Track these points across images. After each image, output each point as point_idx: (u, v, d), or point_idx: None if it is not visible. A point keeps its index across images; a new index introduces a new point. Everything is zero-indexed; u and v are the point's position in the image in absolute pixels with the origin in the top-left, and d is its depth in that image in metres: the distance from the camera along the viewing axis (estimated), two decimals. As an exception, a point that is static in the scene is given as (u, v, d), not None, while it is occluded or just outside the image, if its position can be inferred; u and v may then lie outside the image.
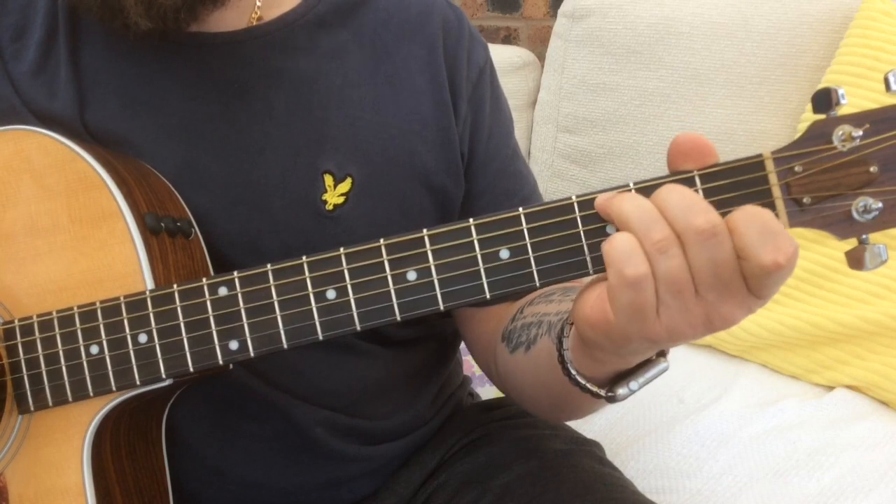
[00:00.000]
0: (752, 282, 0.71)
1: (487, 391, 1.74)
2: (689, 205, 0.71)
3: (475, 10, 2.51)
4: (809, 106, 1.78)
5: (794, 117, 1.87)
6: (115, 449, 0.92)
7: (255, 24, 1.06)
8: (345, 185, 1.03)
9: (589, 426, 1.59)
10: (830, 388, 1.68)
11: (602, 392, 0.85)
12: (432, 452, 1.21)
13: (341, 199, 1.03)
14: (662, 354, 0.83)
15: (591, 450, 1.20)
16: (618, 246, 0.72)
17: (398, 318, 0.81)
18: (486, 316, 1.16)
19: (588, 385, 0.85)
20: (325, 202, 1.02)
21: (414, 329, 1.18)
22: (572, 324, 0.85)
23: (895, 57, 1.70)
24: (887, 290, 1.62)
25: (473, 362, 1.79)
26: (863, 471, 1.44)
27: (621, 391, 0.84)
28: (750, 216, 0.71)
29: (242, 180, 1.01)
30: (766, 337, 1.70)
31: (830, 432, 1.54)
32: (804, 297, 1.70)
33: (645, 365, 0.84)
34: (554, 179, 2.10)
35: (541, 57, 2.30)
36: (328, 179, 1.03)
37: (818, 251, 1.68)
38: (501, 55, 2.22)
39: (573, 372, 0.85)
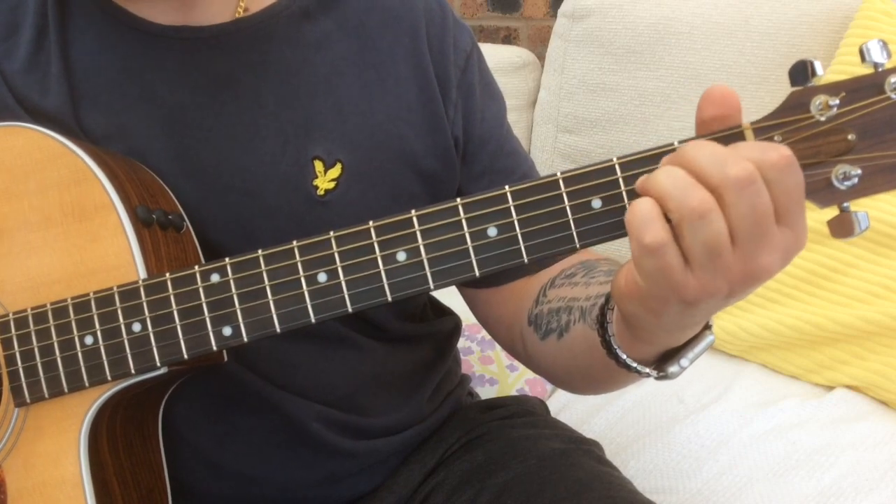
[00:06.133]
0: (778, 207, 0.70)
1: (487, 391, 1.75)
2: (722, 158, 0.69)
3: (475, 10, 2.52)
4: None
5: (794, 117, 1.86)
6: (111, 441, 0.92)
7: (240, 16, 1.07)
8: (335, 171, 1.04)
9: (589, 426, 1.60)
10: (830, 388, 1.68)
11: (653, 372, 0.85)
12: (431, 451, 1.21)
13: (332, 185, 1.04)
14: (707, 327, 0.83)
15: (589, 449, 1.21)
16: (637, 214, 0.71)
17: (389, 299, 0.82)
18: (503, 298, 1.17)
19: (637, 367, 0.85)
20: (317, 188, 1.03)
21: (411, 325, 1.19)
22: (613, 308, 0.85)
23: (895, 56, 1.70)
24: (887, 290, 1.62)
25: (473, 362, 1.80)
26: (863, 471, 1.44)
27: (672, 369, 0.83)
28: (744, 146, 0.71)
29: (233, 168, 1.02)
30: (766, 337, 1.70)
31: (830, 432, 1.54)
32: (804, 297, 1.70)
33: (692, 340, 0.83)
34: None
35: (541, 57, 2.30)
36: (318, 165, 1.03)
37: (818, 251, 1.68)
38: (501, 55, 2.22)
39: (623, 356, 0.85)
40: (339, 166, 1.04)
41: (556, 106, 2.12)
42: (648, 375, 0.85)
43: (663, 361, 0.84)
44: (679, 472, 1.48)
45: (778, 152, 0.69)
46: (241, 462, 1.06)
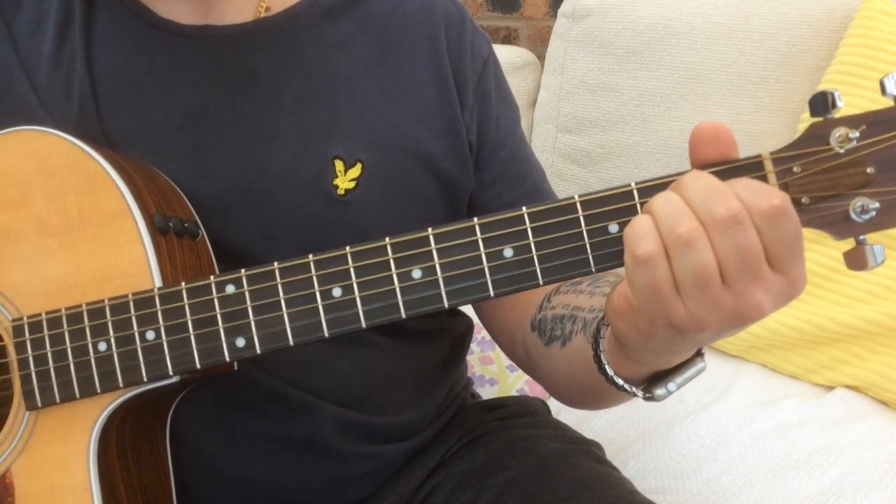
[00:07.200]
0: (769, 253, 0.71)
1: (487, 391, 1.75)
2: (711, 194, 0.70)
3: (475, 10, 2.51)
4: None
5: (794, 117, 1.88)
6: (120, 447, 0.92)
7: (262, 15, 1.07)
8: (355, 171, 1.04)
9: (588, 426, 1.60)
10: (830, 388, 1.68)
11: (639, 393, 0.86)
12: (433, 452, 1.21)
13: (352, 185, 1.04)
14: (699, 355, 0.84)
15: (590, 449, 1.21)
16: (633, 227, 0.73)
17: (403, 316, 0.82)
18: (510, 304, 1.17)
19: (625, 386, 0.86)
20: (337, 187, 1.03)
21: (426, 320, 1.18)
22: (608, 324, 0.86)
23: (895, 57, 1.71)
24: (887, 290, 1.63)
25: (473, 362, 1.80)
26: (863, 471, 1.45)
27: (659, 392, 0.84)
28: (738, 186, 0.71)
29: (253, 167, 1.02)
30: (766, 337, 1.71)
31: (830, 432, 1.54)
32: (804, 297, 1.70)
33: (682, 366, 0.84)
34: (554, 179, 2.11)
35: (541, 57, 2.30)
36: (339, 165, 1.04)
37: (818, 251, 1.68)
38: (501, 55, 2.20)
39: (610, 373, 0.86)
40: (359, 166, 1.05)
41: (556, 106, 2.12)
42: (635, 395, 0.86)
43: (652, 383, 0.85)
44: (679, 472, 1.48)
45: (769, 201, 0.70)
46: (246, 467, 1.06)
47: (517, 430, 1.22)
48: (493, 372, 1.81)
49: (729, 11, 1.95)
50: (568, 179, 2.11)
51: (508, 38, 2.51)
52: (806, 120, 1.78)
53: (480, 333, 1.81)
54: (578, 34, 2.07)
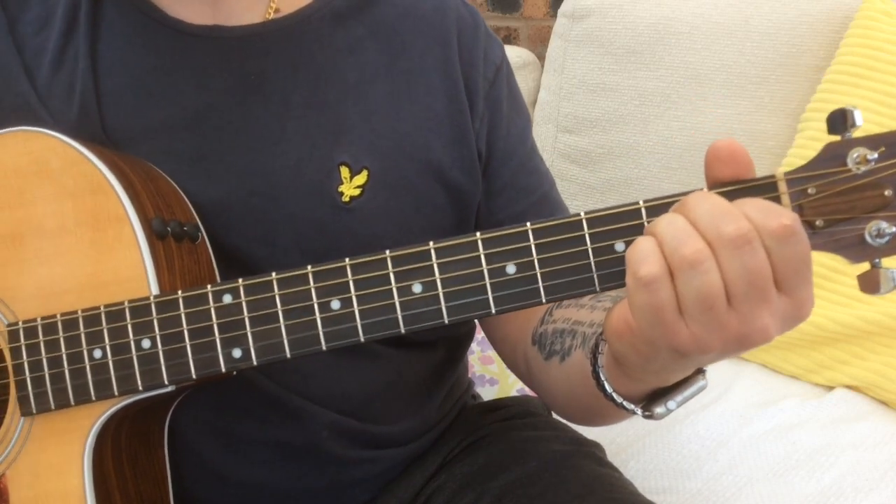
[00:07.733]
0: (777, 274, 0.70)
1: (488, 391, 1.75)
2: (719, 214, 0.69)
3: (475, 11, 2.52)
4: (809, 105, 1.80)
5: (794, 117, 1.87)
6: (116, 454, 0.92)
7: (271, 17, 1.07)
8: (361, 178, 1.03)
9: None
10: (830, 388, 1.68)
11: (638, 411, 0.84)
12: (433, 455, 1.20)
13: (357, 192, 1.03)
14: (700, 372, 0.82)
15: (591, 451, 1.20)
16: (636, 248, 0.71)
17: (402, 331, 0.81)
18: (513, 315, 1.15)
19: (624, 403, 0.84)
20: (342, 194, 1.02)
21: (427, 332, 1.18)
22: (605, 340, 0.85)
23: (895, 57, 1.70)
24: (887, 290, 1.62)
25: (473, 362, 1.79)
26: (863, 471, 1.45)
27: (658, 410, 0.82)
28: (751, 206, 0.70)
29: (257, 171, 1.01)
30: (766, 336, 1.70)
31: (830, 432, 1.54)
32: (805, 297, 1.70)
33: (682, 383, 0.82)
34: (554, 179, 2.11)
35: (541, 57, 2.30)
36: (344, 171, 1.03)
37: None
38: (501, 55, 2.23)
39: (609, 390, 0.85)
40: (365, 173, 1.04)
41: (556, 106, 2.12)
42: (634, 413, 0.85)
43: (651, 401, 0.84)
44: (679, 472, 1.48)
45: (778, 221, 0.69)
46: (246, 471, 1.06)
47: (518, 432, 1.22)
48: (493, 372, 1.81)
49: (729, 11, 1.94)
50: (568, 179, 2.11)
51: (508, 38, 2.51)
52: (807, 119, 1.78)
53: (481, 333, 1.81)
54: (578, 34, 2.07)
